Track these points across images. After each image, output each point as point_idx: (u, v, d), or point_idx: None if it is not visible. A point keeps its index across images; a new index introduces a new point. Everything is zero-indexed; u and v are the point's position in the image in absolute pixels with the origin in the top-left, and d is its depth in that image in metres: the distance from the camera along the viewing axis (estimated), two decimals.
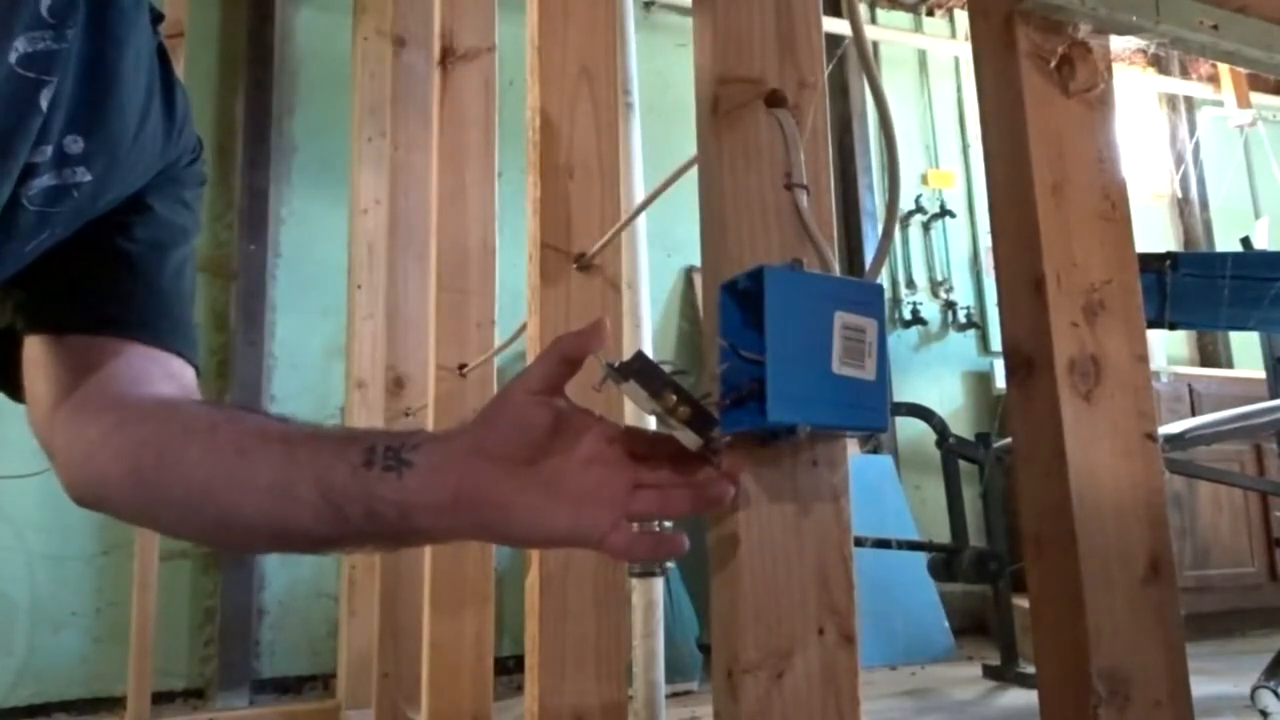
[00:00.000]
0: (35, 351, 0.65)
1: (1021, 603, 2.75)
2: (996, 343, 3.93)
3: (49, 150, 0.57)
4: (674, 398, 0.54)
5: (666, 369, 0.56)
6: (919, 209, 4.23)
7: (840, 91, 4.17)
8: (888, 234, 0.74)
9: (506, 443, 0.55)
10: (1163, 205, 4.77)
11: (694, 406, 0.55)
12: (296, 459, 0.57)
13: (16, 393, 0.68)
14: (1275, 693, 1.98)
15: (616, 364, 0.56)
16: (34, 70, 0.54)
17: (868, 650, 3.01)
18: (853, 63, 4.16)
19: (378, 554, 2.06)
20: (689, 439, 0.55)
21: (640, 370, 0.55)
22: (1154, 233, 4.61)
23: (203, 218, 0.74)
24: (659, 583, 1.56)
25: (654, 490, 0.55)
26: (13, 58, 0.53)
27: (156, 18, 0.67)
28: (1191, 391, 3.70)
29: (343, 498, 0.55)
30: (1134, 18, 0.76)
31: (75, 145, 0.59)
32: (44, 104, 0.55)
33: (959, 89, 4.46)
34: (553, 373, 0.55)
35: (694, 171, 0.69)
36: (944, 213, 4.23)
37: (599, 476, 0.55)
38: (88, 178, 0.60)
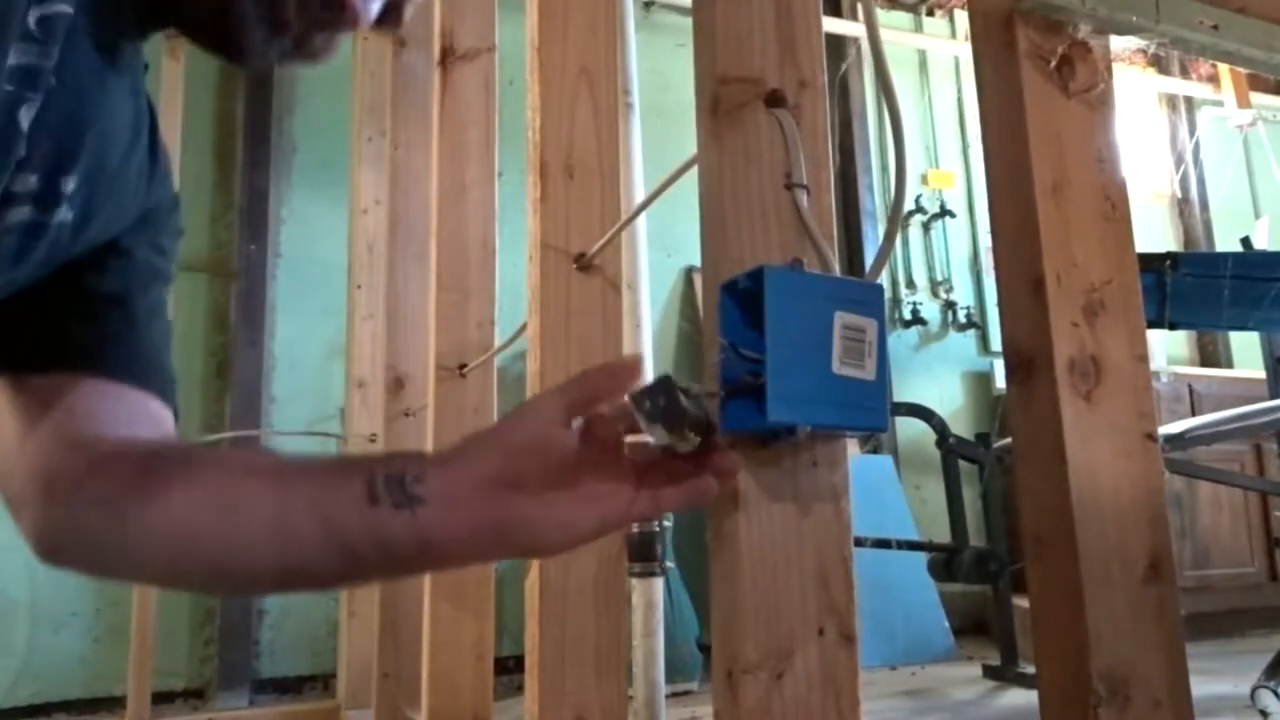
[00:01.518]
0: (2, 394, 0.61)
1: (1021, 603, 2.75)
2: (996, 343, 3.93)
3: (32, 180, 0.53)
4: (692, 434, 0.54)
5: (694, 390, 0.55)
6: (919, 209, 4.23)
7: (840, 91, 4.17)
8: (890, 236, 0.74)
9: (528, 469, 0.53)
10: (1163, 205, 4.77)
11: (706, 432, 0.55)
12: (291, 492, 0.54)
13: None
14: (1275, 693, 1.97)
15: (645, 404, 0.54)
16: (16, 85, 0.51)
17: (868, 650, 3.01)
18: (853, 62, 4.16)
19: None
20: (687, 447, 0.55)
21: (666, 409, 0.53)
22: (1154, 233, 4.61)
23: (177, 269, 0.71)
24: (659, 583, 1.56)
25: (648, 491, 0.55)
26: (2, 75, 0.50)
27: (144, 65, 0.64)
28: (1191, 391, 3.70)
29: (349, 534, 0.53)
30: (1134, 18, 0.76)
31: (68, 184, 0.55)
32: (24, 123, 0.51)
33: (959, 89, 4.45)
34: (576, 405, 0.55)
35: (694, 171, 0.69)
36: (944, 213, 4.22)
37: (607, 472, 0.55)
38: (69, 216, 0.56)
